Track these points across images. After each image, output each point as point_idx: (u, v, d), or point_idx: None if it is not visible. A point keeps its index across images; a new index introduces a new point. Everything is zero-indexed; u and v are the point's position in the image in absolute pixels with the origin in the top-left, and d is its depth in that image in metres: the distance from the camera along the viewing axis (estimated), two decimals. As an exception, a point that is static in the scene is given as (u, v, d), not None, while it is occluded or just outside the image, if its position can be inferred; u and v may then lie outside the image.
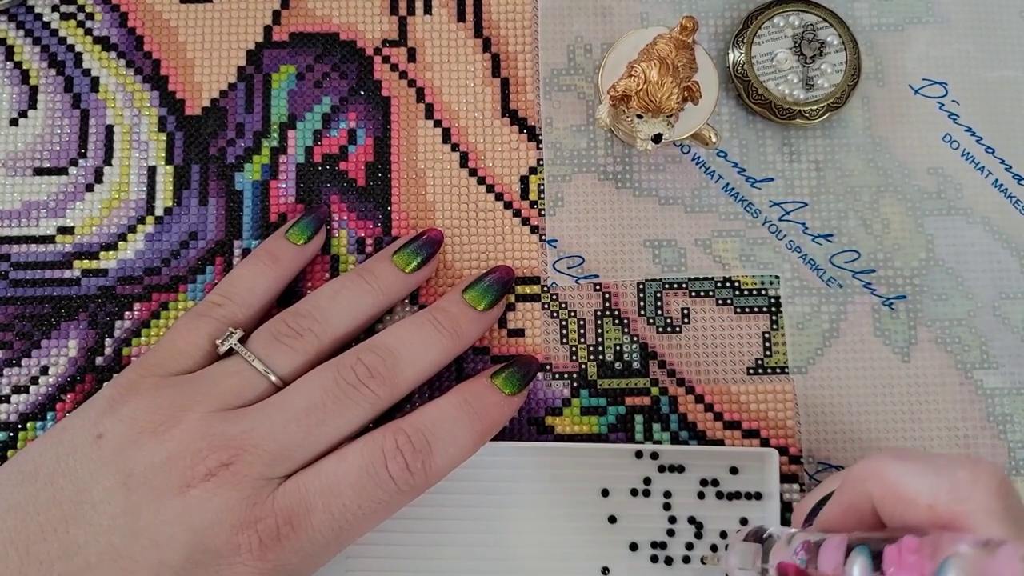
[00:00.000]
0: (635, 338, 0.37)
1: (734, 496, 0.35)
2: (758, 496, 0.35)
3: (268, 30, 0.39)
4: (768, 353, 0.36)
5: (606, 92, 0.34)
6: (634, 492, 0.35)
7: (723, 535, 0.34)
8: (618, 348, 0.36)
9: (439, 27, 0.39)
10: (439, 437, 0.31)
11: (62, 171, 0.38)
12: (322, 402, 0.31)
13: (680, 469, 0.35)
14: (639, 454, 0.35)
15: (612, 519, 0.35)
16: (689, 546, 0.34)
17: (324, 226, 0.37)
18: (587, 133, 0.38)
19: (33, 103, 0.38)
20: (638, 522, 0.35)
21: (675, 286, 0.37)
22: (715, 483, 0.35)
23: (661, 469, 0.35)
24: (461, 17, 0.39)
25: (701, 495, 0.35)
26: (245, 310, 0.34)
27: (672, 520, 0.35)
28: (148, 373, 0.32)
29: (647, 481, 0.35)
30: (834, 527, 0.27)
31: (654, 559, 0.34)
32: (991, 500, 0.23)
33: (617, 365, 0.36)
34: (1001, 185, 0.38)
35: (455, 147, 0.38)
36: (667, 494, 0.35)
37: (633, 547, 0.34)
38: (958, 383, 0.36)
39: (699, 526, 0.34)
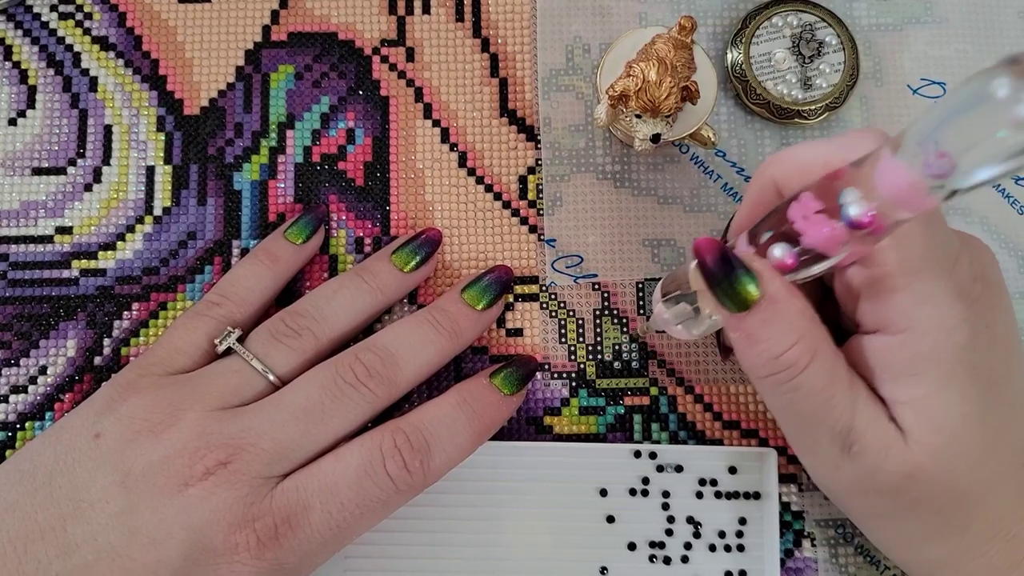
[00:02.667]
0: (634, 337, 0.37)
1: (732, 496, 0.35)
2: (757, 496, 0.34)
3: (267, 30, 0.39)
4: (767, 353, 0.36)
5: (605, 92, 0.34)
6: (632, 492, 0.35)
7: (721, 535, 0.34)
8: (617, 347, 0.36)
9: (438, 27, 0.39)
10: (437, 437, 0.31)
11: (61, 171, 0.38)
12: (320, 401, 0.31)
13: (678, 469, 0.35)
14: (637, 454, 0.35)
15: (610, 519, 0.35)
16: (687, 546, 0.34)
17: (323, 226, 0.37)
18: (586, 133, 0.38)
19: (32, 103, 0.38)
20: (636, 522, 0.34)
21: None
22: (713, 483, 0.35)
23: (659, 469, 0.35)
24: (460, 17, 0.39)
25: (699, 495, 0.35)
26: (243, 309, 0.34)
27: (670, 520, 0.34)
28: (146, 372, 0.32)
29: (645, 481, 0.35)
30: (745, 226, 0.28)
31: (652, 559, 0.34)
32: (877, 142, 0.25)
33: (616, 365, 0.36)
34: (999, 185, 0.38)
35: (453, 147, 0.38)
36: (665, 494, 0.35)
37: (631, 547, 0.34)
38: (957, 383, 0.36)
39: (697, 526, 0.34)
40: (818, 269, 0.26)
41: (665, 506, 0.35)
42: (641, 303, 0.37)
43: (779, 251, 0.26)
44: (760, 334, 0.26)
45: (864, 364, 0.28)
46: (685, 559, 0.34)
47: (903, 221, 0.23)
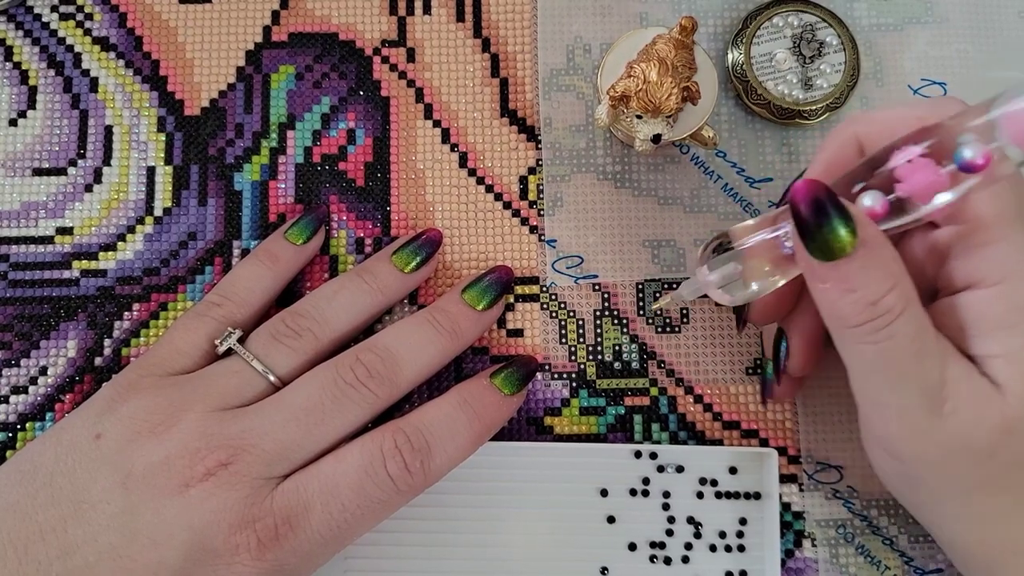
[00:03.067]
0: (634, 338, 0.37)
1: (733, 496, 0.35)
2: (757, 496, 0.35)
3: (267, 30, 0.39)
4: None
5: (605, 92, 0.34)
6: (633, 492, 0.35)
7: (722, 535, 0.34)
8: (617, 348, 0.36)
9: (438, 27, 0.39)
10: (438, 437, 0.31)
11: (61, 171, 0.38)
12: (321, 402, 0.31)
13: (679, 469, 0.35)
14: (638, 454, 0.35)
15: (611, 519, 0.35)
16: (688, 546, 0.34)
17: (323, 226, 0.37)
18: (586, 133, 0.38)
19: (32, 103, 0.38)
20: (637, 522, 0.35)
21: (674, 286, 0.37)
22: (714, 483, 0.35)
23: (660, 469, 0.35)
24: (460, 17, 0.39)
25: (700, 495, 0.35)
26: (244, 310, 0.34)
27: (671, 520, 0.34)
28: (147, 373, 0.32)
29: (646, 481, 0.35)
30: (827, 176, 0.28)
31: (653, 559, 0.34)
32: (961, 105, 0.26)
33: (616, 365, 0.36)
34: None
35: (454, 147, 0.38)
36: (666, 494, 0.35)
37: (632, 547, 0.34)
38: (957, 383, 0.36)
39: (698, 526, 0.34)
40: (904, 220, 0.26)
41: (666, 506, 0.35)
42: (641, 303, 0.37)
43: (869, 199, 0.26)
44: (858, 280, 0.26)
45: (950, 325, 0.28)
46: (686, 559, 0.34)
47: (1012, 167, 0.24)
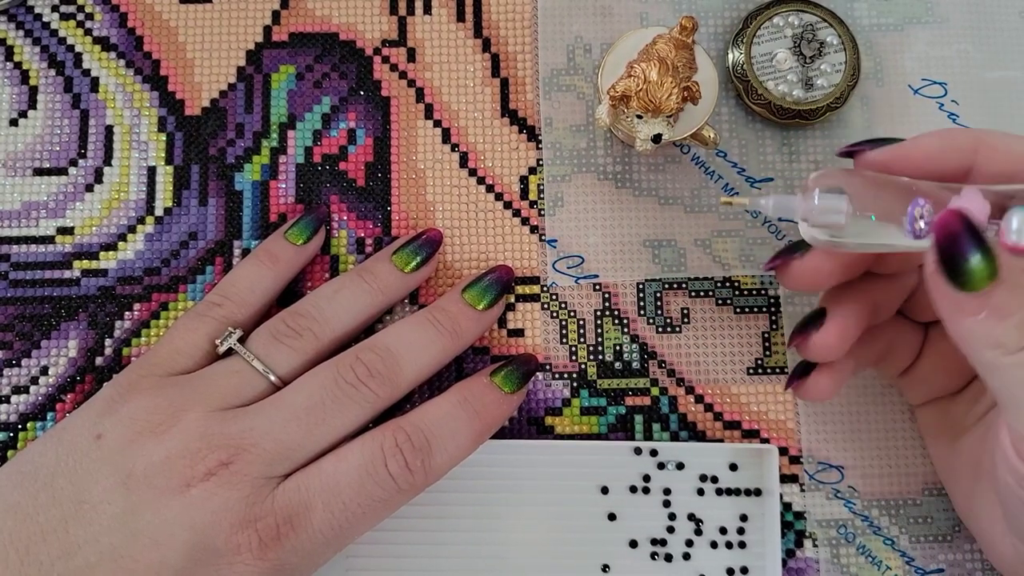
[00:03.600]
0: (635, 338, 0.37)
1: (733, 492, 0.35)
2: (758, 492, 0.35)
3: (268, 30, 0.39)
4: (768, 353, 0.36)
5: (606, 92, 0.34)
6: (633, 489, 0.35)
7: (723, 531, 0.34)
8: (618, 348, 0.37)
9: (439, 27, 0.39)
10: (438, 436, 0.31)
11: (62, 171, 0.38)
12: (321, 401, 0.31)
13: (679, 466, 0.35)
14: (638, 451, 0.35)
15: (612, 516, 0.35)
16: (689, 543, 0.34)
17: (324, 226, 0.37)
18: (587, 133, 0.38)
19: (33, 103, 0.38)
20: (638, 519, 0.35)
21: (675, 286, 0.37)
22: (714, 479, 0.35)
23: (660, 466, 0.35)
24: (461, 17, 0.39)
25: (700, 491, 0.35)
26: (244, 310, 0.34)
27: (672, 517, 0.35)
28: (148, 373, 0.32)
29: (646, 478, 0.35)
30: (913, 162, 0.28)
31: (654, 556, 0.34)
32: None
33: (617, 365, 0.36)
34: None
35: (455, 147, 0.38)
36: (667, 491, 0.35)
37: (633, 544, 0.34)
38: (958, 382, 0.36)
39: (699, 523, 0.34)
40: None
41: (666, 503, 0.35)
42: (642, 304, 0.37)
43: (1018, 220, 0.25)
44: (1011, 304, 0.25)
45: None
46: (687, 556, 0.34)
47: None
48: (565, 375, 0.36)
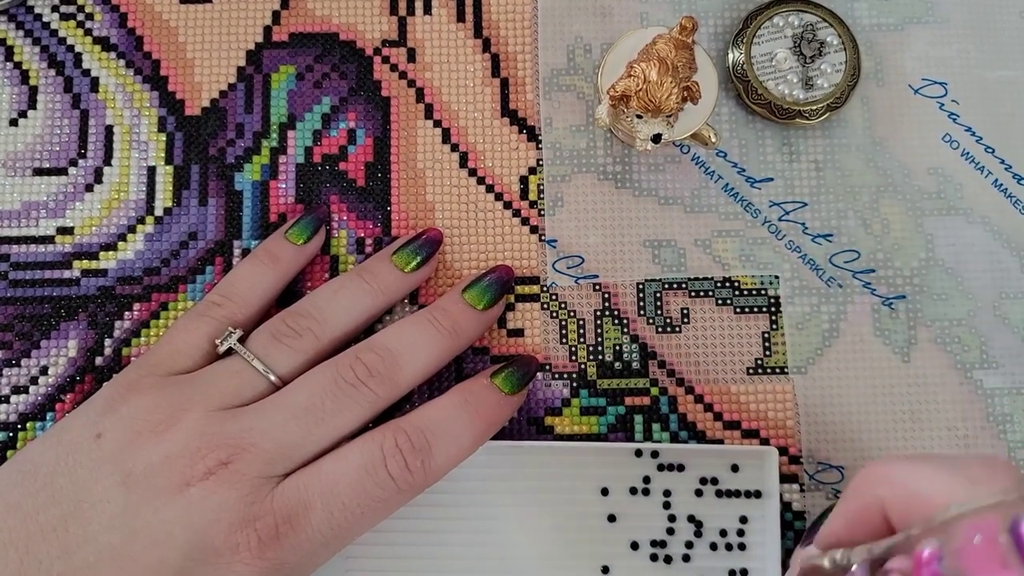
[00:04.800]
0: (635, 338, 0.37)
1: (734, 494, 0.35)
2: (758, 494, 0.34)
3: (268, 30, 0.39)
4: (768, 353, 0.36)
5: (606, 92, 0.34)
6: (633, 491, 0.35)
7: (723, 533, 0.34)
8: (618, 348, 0.36)
9: (439, 27, 0.39)
10: (438, 436, 0.31)
11: (62, 171, 0.38)
12: (321, 401, 0.31)
13: (680, 468, 0.35)
14: (638, 453, 0.35)
15: (612, 518, 0.35)
16: (689, 545, 0.34)
17: (324, 226, 0.37)
18: (587, 133, 0.38)
19: (33, 103, 0.38)
20: (638, 521, 0.34)
21: (675, 286, 0.37)
22: (715, 481, 0.35)
23: (660, 468, 0.35)
24: (461, 17, 0.39)
25: (700, 493, 0.35)
26: (244, 310, 0.34)
27: (672, 519, 0.34)
28: (147, 373, 0.32)
29: (647, 480, 0.35)
30: (840, 540, 0.26)
31: (654, 558, 0.34)
32: (1008, 478, 0.22)
33: (617, 365, 0.36)
34: (1001, 185, 0.38)
35: (455, 147, 0.38)
36: (667, 493, 0.35)
37: (634, 546, 0.34)
38: (958, 383, 0.36)
39: (699, 524, 0.34)
40: None
41: (666, 505, 0.35)
42: (641, 304, 0.37)
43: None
44: None
45: None
46: (687, 558, 0.34)
47: None
48: (565, 375, 0.36)
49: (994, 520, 0.19)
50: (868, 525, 0.25)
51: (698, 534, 0.34)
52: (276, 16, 0.39)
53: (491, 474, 0.35)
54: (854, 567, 0.23)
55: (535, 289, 0.37)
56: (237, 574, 0.28)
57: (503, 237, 0.37)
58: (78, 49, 0.39)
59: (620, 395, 0.36)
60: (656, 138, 0.33)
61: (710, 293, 0.37)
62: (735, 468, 0.35)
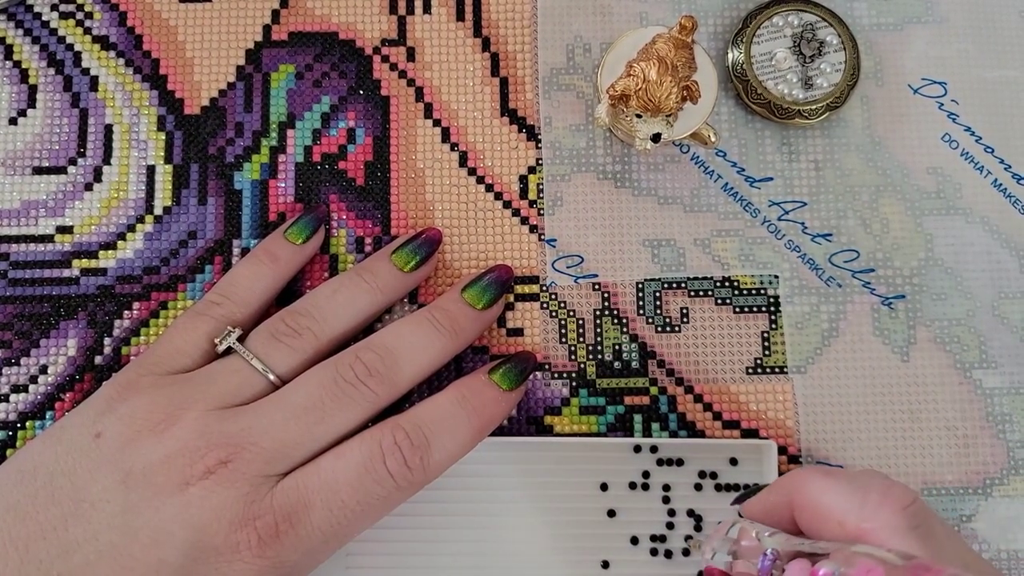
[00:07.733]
0: (634, 337, 0.37)
1: (733, 488, 0.35)
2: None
3: (267, 29, 0.39)
4: (767, 353, 0.36)
5: (605, 91, 0.34)
6: (633, 486, 0.35)
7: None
8: (617, 347, 0.37)
9: (438, 26, 0.39)
10: (437, 433, 0.31)
11: (61, 170, 0.38)
12: (321, 400, 0.31)
13: (679, 462, 0.35)
14: (638, 448, 0.35)
15: (611, 513, 0.35)
16: (689, 539, 0.34)
17: (323, 225, 0.37)
18: (586, 132, 0.38)
19: (32, 102, 0.38)
20: (637, 515, 0.35)
21: (674, 286, 0.37)
22: (713, 476, 0.35)
23: (660, 463, 0.35)
24: (460, 16, 0.39)
25: (699, 487, 0.35)
26: (244, 309, 0.34)
27: (671, 513, 0.35)
28: (147, 372, 0.32)
29: (646, 475, 0.35)
30: (756, 518, 0.29)
31: (654, 552, 0.34)
32: (896, 519, 0.25)
33: (616, 364, 0.36)
34: (1000, 185, 0.38)
35: (454, 146, 0.38)
36: (666, 487, 0.35)
37: (634, 541, 0.34)
38: (957, 383, 0.36)
39: (698, 519, 0.34)
40: None
41: (666, 499, 0.35)
42: (641, 303, 0.37)
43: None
44: None
45: None
46: (686, 552, 0.34)
47: None
48: (564, 374, 0.36)
49: (881, 572, 0.23)
50: (779, 517, 0.28)
51: (698, 528, 0.34)
52: (275, 15, 0.39)
53: (490, 470, 0.35)
54: (768, 550, 0.26)
55: (534, 288, 0.37)
56: (237, 573, 0.28)
57: (502, 236, 0.37)
58: (77, 48, 0.39)
59: (619, 394, 0.36)
60: (656, 137, 0.33)
61: (709, 293, 0.37)
62: (734, 462, 0.35)
